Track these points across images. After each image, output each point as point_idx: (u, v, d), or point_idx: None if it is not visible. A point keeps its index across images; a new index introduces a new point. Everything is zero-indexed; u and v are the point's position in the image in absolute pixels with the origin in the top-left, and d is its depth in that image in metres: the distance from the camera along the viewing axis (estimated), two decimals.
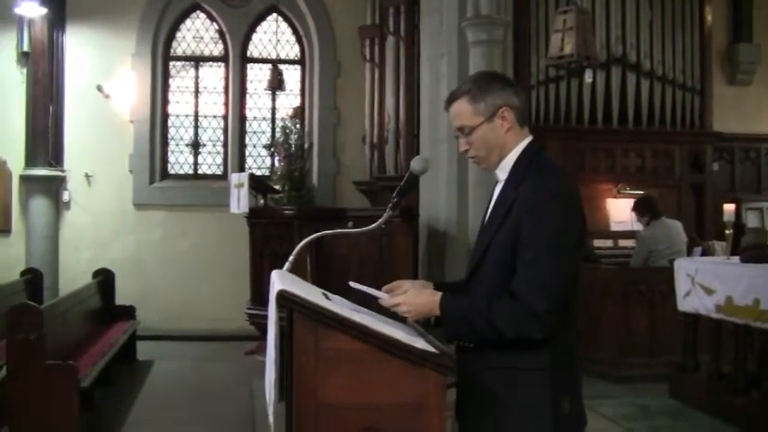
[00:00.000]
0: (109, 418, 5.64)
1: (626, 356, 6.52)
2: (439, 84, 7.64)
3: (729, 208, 8.12)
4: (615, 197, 8.42)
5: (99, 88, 9.42)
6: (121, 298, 7.92)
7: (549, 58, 7.29)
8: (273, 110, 10.18)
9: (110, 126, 9.48)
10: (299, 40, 10.21)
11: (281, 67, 9.85)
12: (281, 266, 2.43)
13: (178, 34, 9.99)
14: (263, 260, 7.17)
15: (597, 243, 8.03)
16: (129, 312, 7.78)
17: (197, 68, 10.06)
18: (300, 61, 10.22)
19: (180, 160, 10.03)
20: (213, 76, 10.13)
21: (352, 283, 2.18)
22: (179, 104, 10.04)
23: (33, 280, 7.58)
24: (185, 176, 9.98)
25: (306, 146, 9.67)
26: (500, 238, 2.10)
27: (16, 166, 9.16)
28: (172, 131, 10.02)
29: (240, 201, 7.35)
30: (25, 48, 9.04)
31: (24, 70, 9.13)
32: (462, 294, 2.21)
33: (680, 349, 6.03)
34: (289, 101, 10.15)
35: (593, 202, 8.07)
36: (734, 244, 7.51)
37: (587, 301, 6.42)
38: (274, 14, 10.17)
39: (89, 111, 9.41)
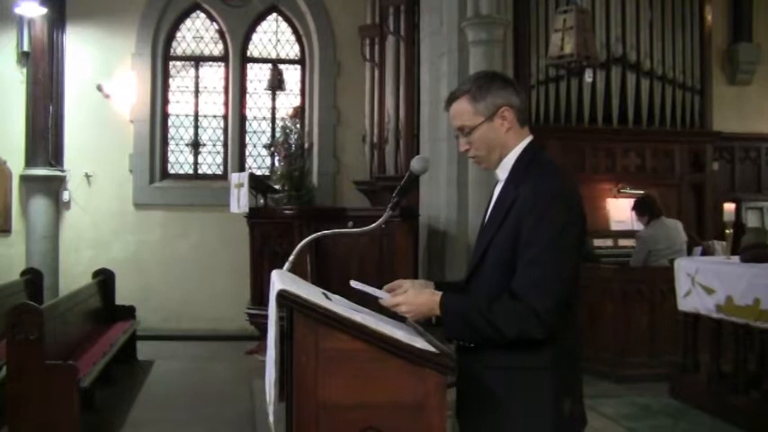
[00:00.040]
0: (109, 417, 5.64)
1: (626, 356, 6.52)
2: (439, 83, 7.64)
3: (729, 207, 8.10)
4: (615, 197, 8.42)
5: (99, 88, 9.42)
6: (121, 298, 7.92)
7: (549, 58, 7.29)
8: (273, 110, 10.18)
9: (110, 126, 9.48)
10: (299, 40, 10.20)
11: (281, 66, 9.87)
12: (281, 266, 2.43)
13: (178, 34, 9.99)
14: (263, 260, 7.18)
15: (597, 243, 8.02)
16: (129, 312, 7.78)
17: (197, 68, 10.06)
18: (300, 61, 10.22)
19: (180, 160, 10.03)
20: (213, 75, 10.12)
21: (353, 282, 2.18)
22: (179, 104, 10.04)
23: (33, 280, 7.58)
24: (185, 176, 9.98)
25: (306, 146, 9.67)
26: (500, 237, 2.10)
27: (16, 166, 9.16)
28: (172, 131, 10.02)
29: (240, 200, 7.35)
30: (25, 48, 9.04)
31: (24, 70, 9.13)
32: (463, 294, 2.21)
33: (680, 349, 6.04)
34: (289, 101, 10.15)
35: (594, 202, 8.07)
36: (734, 244, 7.50)
37: (587, 301, 6.42)
38: (274, 14, 10.16)
39: (89, 111, 9.41)
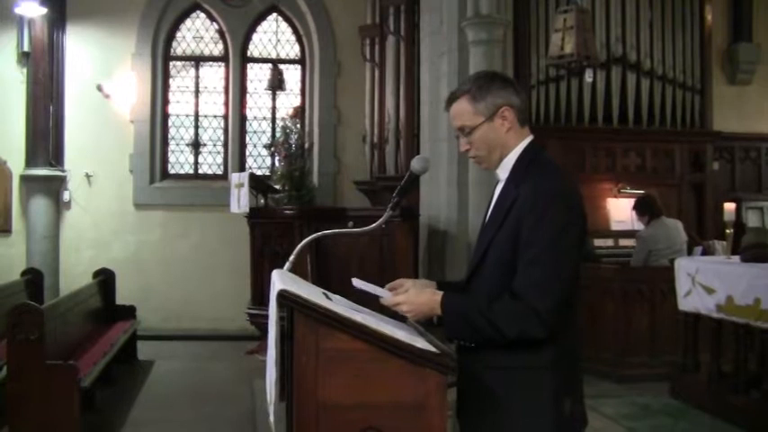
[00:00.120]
0: (109, 417, 5.63)
1: (626, 356, 6.52)
2: (439, 83, 7.64)
3: (730, 207, 8.11)
4: (615, 196, 8.42)
5: (99, 88, 9.42)
6: (122, 298, 7.92)
7: (549, 58, 7.29)
8: (273, 110, 10.18)
9: (110, 126, 9.48)
10: (299, 40, 10.20)
11: (282, 66, 9.86)
12: (281, 266, 2.43)
13: (178, 34, 9.99)
14: (263, 260, 7.18)
15: (597, 242, 8.02)
16: (129, 312, 7.78)
17: (197, 68, 10.06)
18: (300, 61, 10.22)
19: (180, 160, 10.03)
20: (213, 75, 10.12)
21: (354, 280, 2.17)
22: (179, 104, 10.04)
23: (34, 280, 7.58)
24: (185, 176, 9.98)
25: (306, 146, 9.65)
26: (501, 237, 2.10)
27: (16, 166, 9.16)
28: (172, 131, 10.01)
29: (240, 200, 7.35)
30: (25, 48, 9.04)
31: (24, 70, 9.13)
32: (463, 294, 2.20)
33: (680, 349, 6.04)
34: (289, 101, 10.15)
35: (594, 202, 8.07)
36: (734, 243, 7.49)
37: (588, 301, 6.42)
38: (274, 14, 10.16)
39: (89, 111, 9.41)
